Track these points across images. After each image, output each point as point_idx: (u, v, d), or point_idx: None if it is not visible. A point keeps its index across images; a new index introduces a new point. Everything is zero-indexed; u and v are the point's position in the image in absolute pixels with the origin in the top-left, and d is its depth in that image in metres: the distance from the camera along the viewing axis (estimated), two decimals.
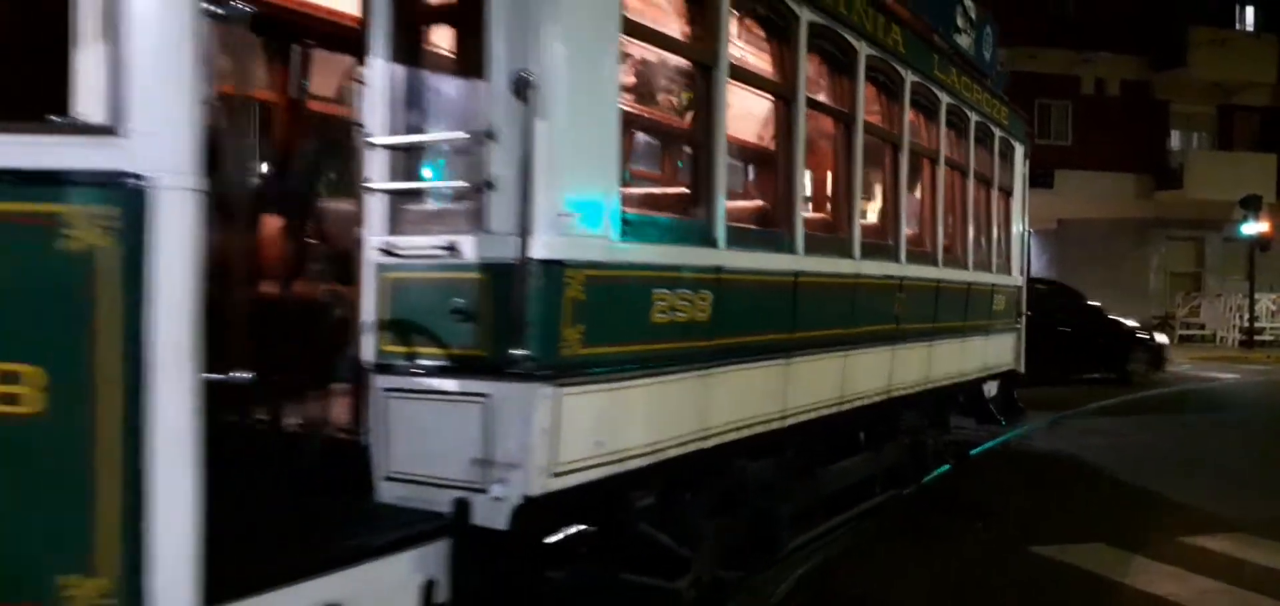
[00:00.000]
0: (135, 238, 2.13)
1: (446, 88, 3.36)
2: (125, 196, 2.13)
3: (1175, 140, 26.71)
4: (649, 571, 3.61)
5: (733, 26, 4.03)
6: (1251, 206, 21.77)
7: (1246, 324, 22.70)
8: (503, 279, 2.95)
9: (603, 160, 3.26)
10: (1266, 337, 23.09)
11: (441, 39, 3.45)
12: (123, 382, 2.14)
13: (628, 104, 3.91)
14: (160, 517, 2.16)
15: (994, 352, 7.83)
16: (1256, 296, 22.78)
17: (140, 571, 2.15)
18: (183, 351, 2.19)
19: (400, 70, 3.26)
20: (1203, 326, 24.85)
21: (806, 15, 4.41)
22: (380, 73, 3.25)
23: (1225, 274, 25.58)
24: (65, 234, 2.11)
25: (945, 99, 6.38)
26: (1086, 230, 25.47)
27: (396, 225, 3.22)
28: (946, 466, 7.56)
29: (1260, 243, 21.99)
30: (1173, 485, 7.35)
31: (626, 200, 3.39)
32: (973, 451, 8.27)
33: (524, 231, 2.90)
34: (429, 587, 2.87)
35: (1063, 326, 13.84)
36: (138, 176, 2.13)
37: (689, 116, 4.23)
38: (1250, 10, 26.62)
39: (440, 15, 3.50)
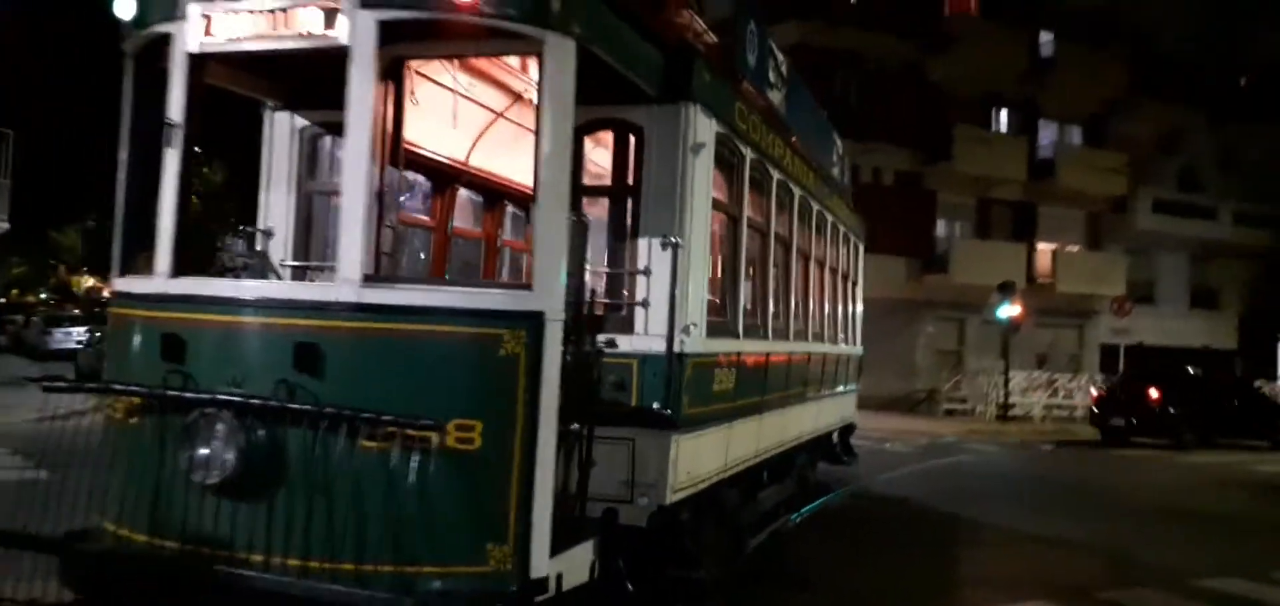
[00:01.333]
0: (536, 346, 4.16)
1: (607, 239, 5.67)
2: (532, 324, 4.16)
3: (941, 228, 31.89)
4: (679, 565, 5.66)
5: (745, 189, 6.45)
6: (1007, 291, 26.79)
7: (1002, 399, 27.73)
8: (650, 365, 5.21)
9: (702, 289, 5.69)
10: (1017, 412, 28.24)
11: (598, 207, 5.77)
12: (524, 429, 4.14)
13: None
14: (536, 507, 4.17)
15: (848, 406, 11.17)
16: (1010, 374, 27.92)
17: (527, 538, 4.14)
18: (552, 411, 4.23)
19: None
20: (964, 400, 29.84)
21: (777, 177, 7.08)
22: None
23: (983, 353, 30.57)
24: (501, 342, 4.15)
25: (823, 212, 9.09)
26: (866, 308, 29.91)
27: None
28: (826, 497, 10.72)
29: (1013, 325, 27.08)
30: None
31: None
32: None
33: (670, 336, 5.17)
34: (592, 565, 4.72)
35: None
36: (538, 314, 4.17)
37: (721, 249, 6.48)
38: (1005, 113, 32.74)
39: (598, 191, 5.77)
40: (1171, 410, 21.98)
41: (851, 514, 11.23)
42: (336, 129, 5.02)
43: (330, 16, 4.29)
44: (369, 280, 4.24)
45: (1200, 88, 34.58)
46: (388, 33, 4.27)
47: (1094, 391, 26.28)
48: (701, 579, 5.70)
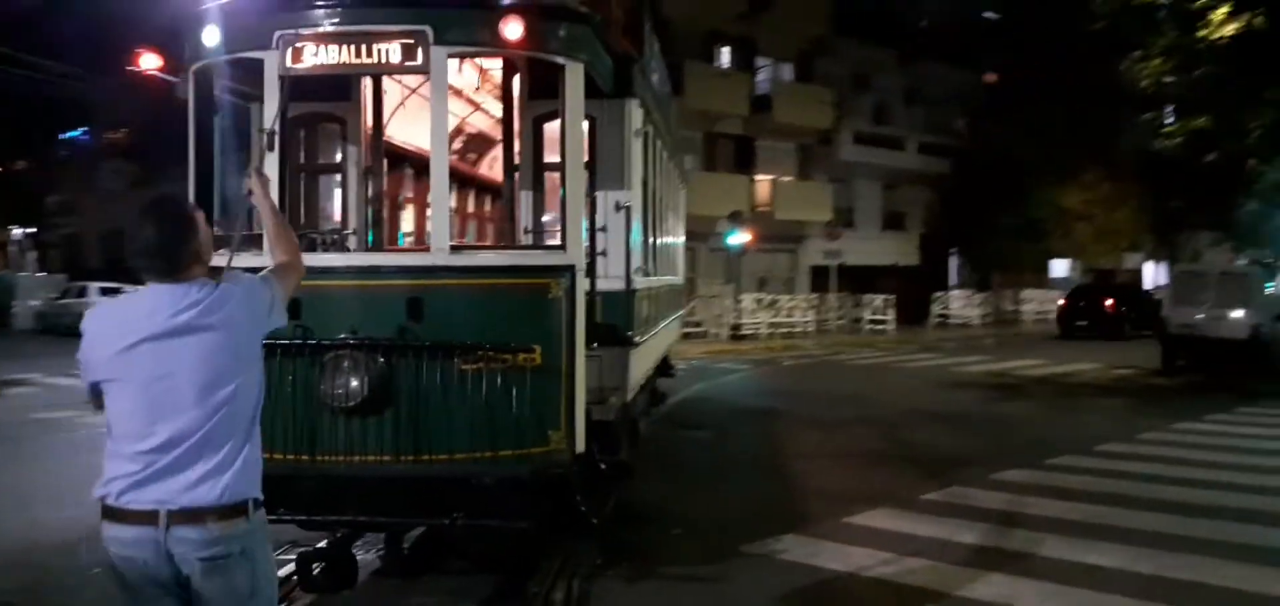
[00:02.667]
0: (572, 290, 5.71)
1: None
2: (568, 274, 5.74)
3: None
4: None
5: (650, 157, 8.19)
6: (736, 219, 28.42)
7: (735, 320, 29.52)
8: (612, 299, 6.76)
9: (641, 240, 7.46)
10: (746, 332, 30.22)
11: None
12: (567, 350, 5.65)
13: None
14: (578, 404, 5.72)
15: (676, 329, 12.74)
16: (739, 297, 29.76)
17: (573, 425, 5.68)
18: (582, 336, 5.81)
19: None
20: (699, 324, 31.45)
21: (657, 142, 8.64)
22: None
23: (711, 278, 32.47)
24: (550, 289, 5.70)
25: (671, 162, 10.12)
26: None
27: None
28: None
29: (742, 251, 28.83)
30: None
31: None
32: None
33: (627, 278, 6.85)
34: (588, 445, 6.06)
35: None
36: (572, 268, 5.77)
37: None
38: (726, 51, 34.35)
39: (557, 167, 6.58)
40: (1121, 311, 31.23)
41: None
42: (328, 118, 7.08)
43: (409, 50, 5.55)
44: (454, 249, 5.82)
45: (890, 29, 38.05)
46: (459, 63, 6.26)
47: (1061, 302, 33.95)
48: (631, 460, 7.67)
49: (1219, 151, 22.88)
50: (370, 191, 7.08)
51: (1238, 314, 19.10)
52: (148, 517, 2.88)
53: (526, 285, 5.78)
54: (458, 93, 7.51)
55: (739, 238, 28.06)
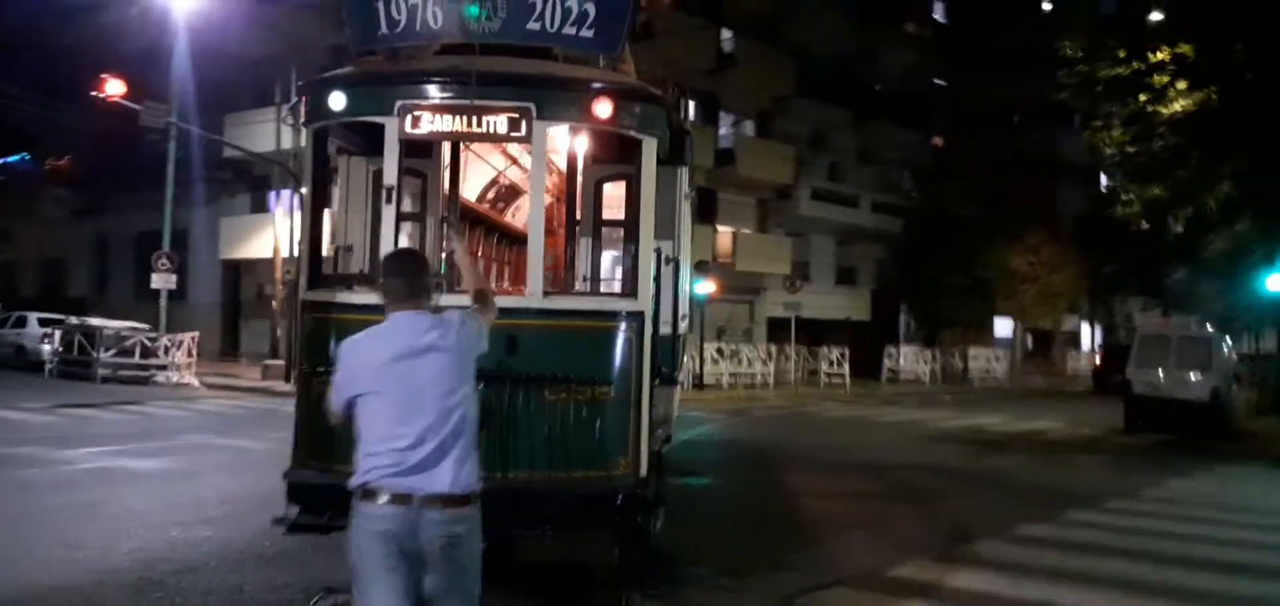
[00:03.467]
0: (641, 333, 6.29)
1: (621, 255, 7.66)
2: (639, 319, 6.31)
3: None
4: None
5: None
6: (702, 269, 28.51)
7: (697, 371, 29.46)
8: (662, 342, 7.10)
9: (687, 290, 8.36)
10: (708, 382, 30.19)
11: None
12: (636, 385, 6.21)
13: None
14: (643, 433, 6.22)
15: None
16: (702, 347, 29.75)
17: (639, 453, 6.20)
18: (647, 372, 6.32)
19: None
20: None
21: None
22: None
23: None
24: (621, 330, 6.28)
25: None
26: None
27: None
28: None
29: (706, 300, 28.87)
30: None
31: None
32: None
33: (674, 323, 7.58)
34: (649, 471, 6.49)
35: None
36: (640, 313, 6.32)
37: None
38: (692, 104, 34.59)
39: (617, 223, 7.73)
40: None
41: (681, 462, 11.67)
42: (411, 173, 7.21)
43: (515, 123, 6.30)
44: (547, 293, 6.49)
45: (846, 92, 38.77)
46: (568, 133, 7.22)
47: (1098, 358, 34.76)
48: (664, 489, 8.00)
49: (1175, 220, 23.56)
50: (444, 240, 7.42)
51: (1198, 377, 19.59)
52: (403, 500, 3.60)
53: (605, 327, 6.38)
54: (500, 148, 8.12)
55: (704, 287, 28.08)
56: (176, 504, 9.63)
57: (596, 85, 6.37)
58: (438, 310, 3.88)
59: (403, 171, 6.76)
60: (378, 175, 7.30)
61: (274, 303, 28.80)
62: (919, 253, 39.25)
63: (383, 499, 3.62)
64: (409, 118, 6.29)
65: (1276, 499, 12.09)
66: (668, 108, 6.97)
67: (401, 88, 6.38)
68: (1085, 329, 58.53)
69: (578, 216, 7.99)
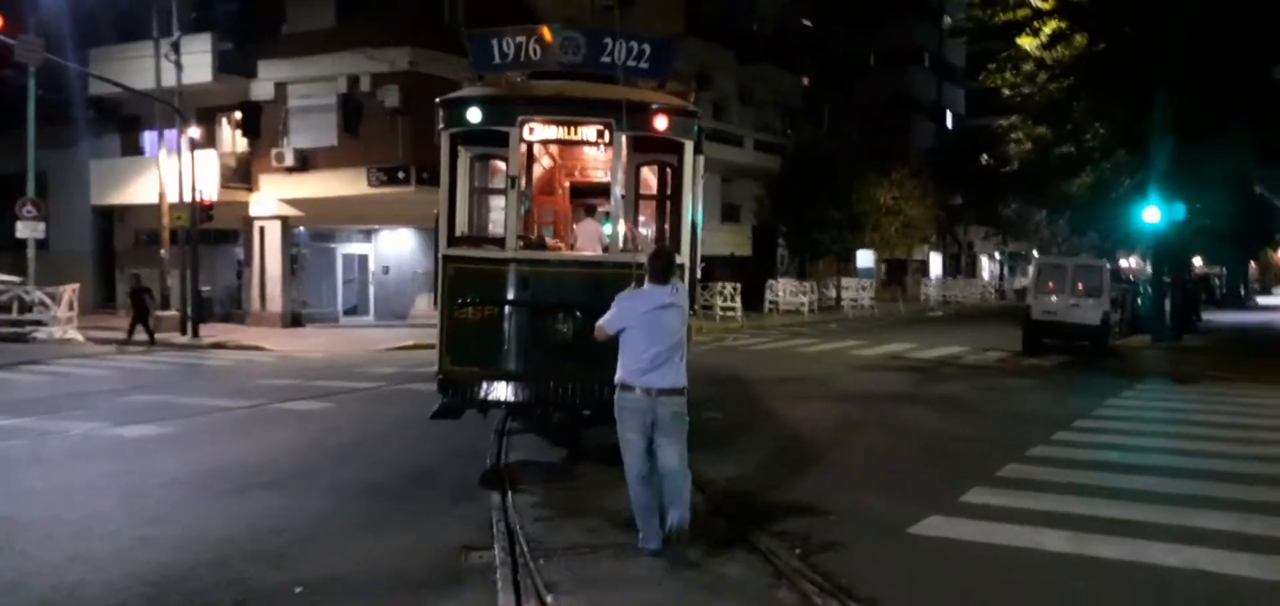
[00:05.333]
0: (687, 280, 8.50)
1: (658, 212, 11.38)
2: (685, 272, 8.41)
3: None
4: None
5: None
6: None
7: None
8: (690, 290, 8.75)
9: (699, 246, 10.18)
10: None
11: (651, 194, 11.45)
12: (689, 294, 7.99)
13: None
14: (686, 344, 6.95)
15: None
16: None
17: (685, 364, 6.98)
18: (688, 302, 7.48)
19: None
20: None
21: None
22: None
23: None
24: (682, 274, 7.94)
25: None
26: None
27: None
28: None
29: None
30: None
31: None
32: None
33: (694, 275, 9.55)
34: None
35: None
36: (682, 264, 8.37)
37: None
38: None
39: (654, 192, 11.34)
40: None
41: None
42: (489, 158, 10.40)
43: (601, 133, 9.10)
44: (605, 249, 9.78)
45: (729, 33, 39.19)
46: (631, 142, 9.46)
47: None
48: None
49: (1058, 156, 25.20)
50: (518, 206, 9.30)
51: (1091, 302, 21.19)
52: (646, 392, 6.47)
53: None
54: (583, 140, 9.84)
55: None
56: (263, 465, 9.15)
57: (655, 106, 8.99)
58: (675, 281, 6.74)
59: (508, 163, 9.18)
60: (478, 160, 10.35)
61: (163, 250, 27.02)
62: (797, 189, 40.37)
63: (637, 389, 6.50)
64: (527, 127, 8.98)
65: (1209, 412, 13.32)
66: (699, 118, 9.66)
67: (521, 106, 8.95)
68: (935, 258, 61.82)
69: (622, 192, 9.67)
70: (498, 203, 10.39)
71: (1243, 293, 58.11)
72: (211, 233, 28.04)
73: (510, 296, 8.89)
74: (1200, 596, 6.07)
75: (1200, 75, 20.80)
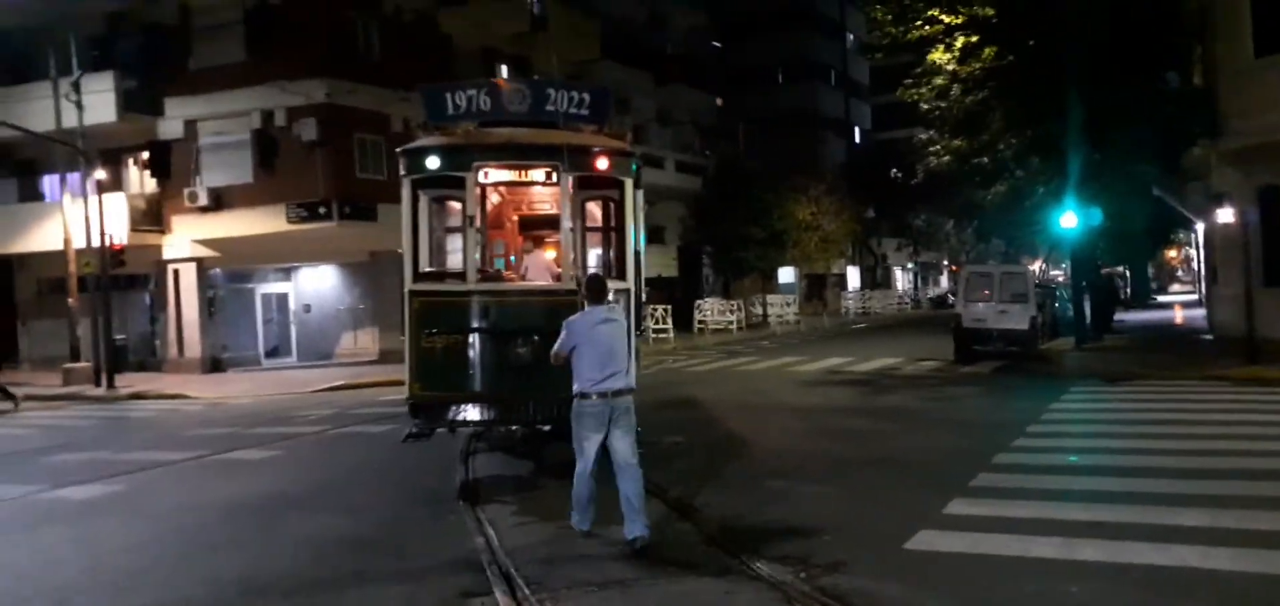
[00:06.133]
0: (628, 299, 9.94)
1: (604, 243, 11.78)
2: (626, 292, 10.08)
3: None
4: None
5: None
6: None
7: None
8: (634, 313, 9.92)
9: (643, 270, 11.31)
10: None
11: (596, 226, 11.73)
12: (629, 329, 8.19)
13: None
14: (633, 363, 8.29)
15: None
16: None
17: (632, 369, 8.10)
18: (633, 322, 9.45)
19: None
20: None
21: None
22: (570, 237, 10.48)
23: None
24: (620, 299, 9.33)
25: None
26: (397, 261, 28.81)
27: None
28: None
29: None
30: None
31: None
32: None
33: (639, 297, 10.77)
34: None
35: None
36: (628, 289, 10.21)
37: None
38: (504, 68, 34.06)
39: (599, 225, 11.66)
40: None
41: None
42: (446, 199, 10.95)
43: (549, 174, 10.32)
44: (556, 278, 10.59)
45: (644, 55, 39.45)
46: (576, 182, 10.18)
47: None
48: None
49: (975, 167, 25.94)
50: (476, 243, 10.14)
51: (1018, 308, 21.84)
52: (602, 396, 7.44)
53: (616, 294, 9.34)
54: (532, 181, 11.16)
55: None
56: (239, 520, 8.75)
57: (596, 149, 10.12)
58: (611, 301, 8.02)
59: (465, 204, 10.05)
60: (435, 202, 10.90)
61: (71, 299, 25.83)
62: (719, 209, 40.79)
63: (593, 397, 7.47)
64: (482, 172, 10.02)
65: (1149, 411, 13.85)
66: (636, 157, 10.84)
67: (476, 153, 9.96)
68: (852, 271, 63.09)
69: (570, 225, 10.39)
70: (455, 241, 11.14)
71: (1149, 292, 60.72)
72: (121, 278, 26.94)
73: (473, 325, 9.77)
74: (1198, 592, 6.25)
75: (1100, 83, 21.67)
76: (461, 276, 10.23)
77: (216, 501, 9.92)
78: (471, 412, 9.87)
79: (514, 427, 10.33)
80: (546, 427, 9.91)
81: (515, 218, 13.11)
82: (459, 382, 9.76)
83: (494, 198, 11.71)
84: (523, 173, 10.54)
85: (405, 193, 10.07)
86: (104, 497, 10.39)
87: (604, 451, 7.48)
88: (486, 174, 10.06)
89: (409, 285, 9.96)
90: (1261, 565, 6.64)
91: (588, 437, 7.46)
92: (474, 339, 9.77)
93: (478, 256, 10.13)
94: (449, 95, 10.46)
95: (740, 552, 7.22)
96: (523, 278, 11.37)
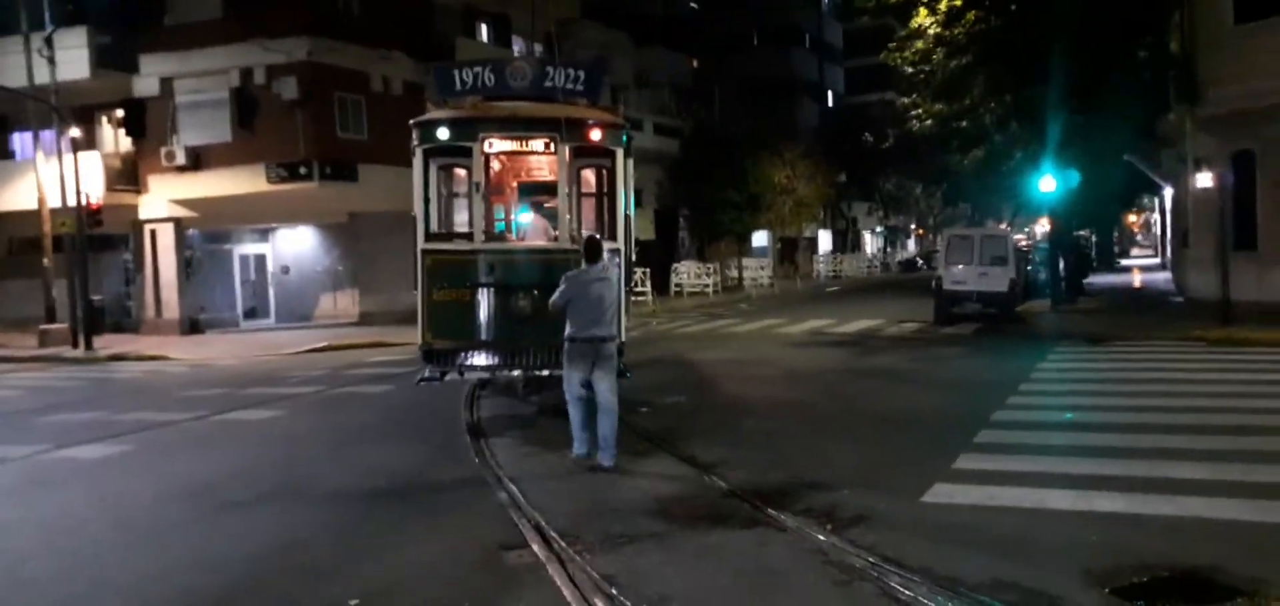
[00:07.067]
0: (621, 261, 10.81)
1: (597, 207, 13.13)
2: (618, 254, 10.78)
3: None
4: None
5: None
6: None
7: None
8: (625, 272, 11.14)
9: (632, 233, 12.49)
10: None
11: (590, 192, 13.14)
12: (620, 289, 10.06)
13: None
14: (623, 316, 10.70)
15: None
16: None
17: (621, 330, 10.44)
18: (622, 281, 10.63)
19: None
20: None
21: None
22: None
23: None
24: (611, 258, 9.76)
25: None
26: (378, 222, 28.15)
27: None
28: None
29: None
30: None
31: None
32: None
33: (628, 258, 11.66)
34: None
35: None
36: (618, 249, 10.96)
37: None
38: (484, 27, 33.78)
39: (593, 190, 13.12)
40: None
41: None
42: (461, 167, 11.79)
43: (547, 145, 11.34)
44: (552, 239, 11.56)
45: (623, 15, 39.24)
46: (572, 151, 11.12)
47: None
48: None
49: (955, 131, 26.23)
50: (481, 207, 11.27)
51: (998, 270, 22.18)
52: (588, 341, 8.64)
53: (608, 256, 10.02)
54: (532, 151, 12.04)
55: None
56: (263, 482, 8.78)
57: (590, 121, 11.06)
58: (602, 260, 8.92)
59: (471, 171, 11.15)
60: (442, 169, 11.94)
61: (45, 259, 25.41)
62: (696, 172, 40.83)
63: (580, 339, 8.63)
64: (487, 142, 11.12)
65: (1134, 371, 14.21)
66: (628, 128, 11.91)
67: (482, 125, 11.04)
68: (823, 235, 63.50)
69: (567, 190, 11.31)
70: (461, 204, 12.21)
71: (1113, 256, 61.74)
72: (96, 238, 26.56)
73: (480, 280, 10.79)
74: (1215, 538, 6.49)
75: (1079, 50, 21.96)
76: (468, 236, 11.26)
77: (230, 460, 9.94)
78: (478, 359, 10.82)
79: (516, 373, 11.11)
80: (545, 372, 10.66)
81: (515, 184, 14.08)
82: (467, 332, 10.78)
83: (495, 165, 12.51)
84: (524, 142, 11.54)
85: (417, 161, 10.97)
86: (116, 456, 10.36)
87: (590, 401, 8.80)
88: (491, 144, 11.16)
89: (421, 245, 10.89)
90: (1270, 515, 6.91)
91: (574, 370, 8.71)
92: (480, 293, 10.78)
93: (482, 218, 11.23)
94: (457, 73, 11.61)
95: (764, 507, 7.38)
96: (522, 239, 12.56)
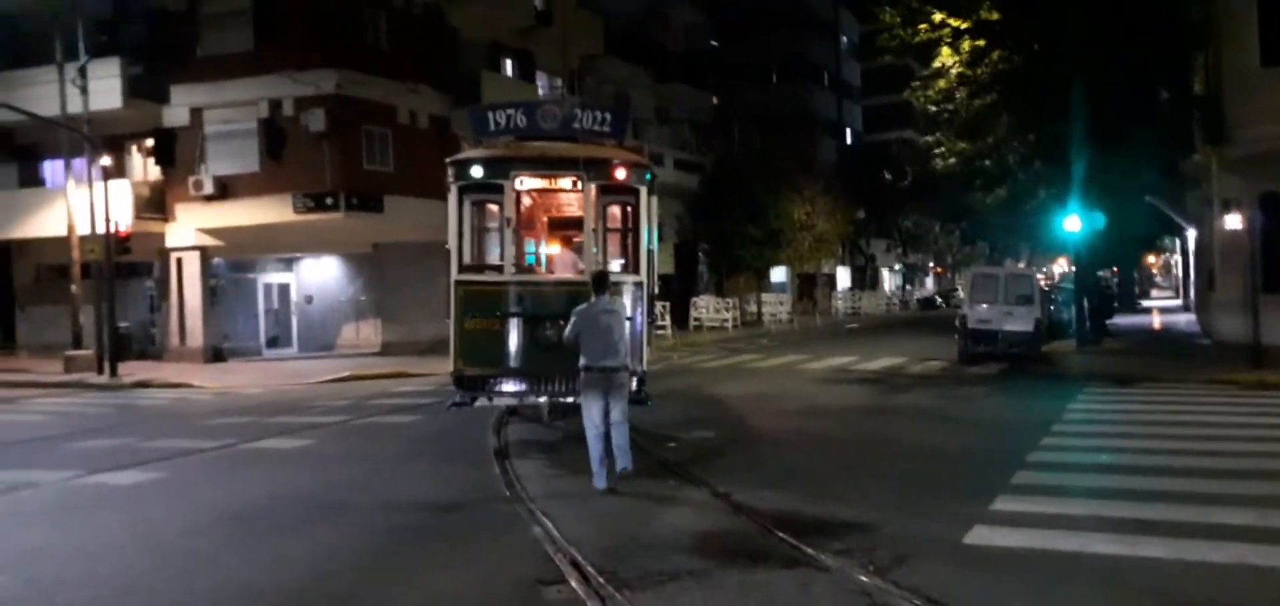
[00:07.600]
0: (644, 294, 11.61)
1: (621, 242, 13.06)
2: (641, 287, 11.61)
3: None
4: None
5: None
6: None
7: None
8: (647, 304, 11.89)
9: (655, 267, 12.80)
10: None
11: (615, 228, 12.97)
12: (645, 322, 11.65)
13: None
14: (645, 350, 11.64)
15: None
16: None
17: (642, 360, 11.47)
18: (648, 318, 11.94)
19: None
20: None
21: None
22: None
23: None
24: (635, 291, 11.55)
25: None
26: (402, 253, 28.36)
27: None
28: None
29: None
30: None
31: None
32: None
33: (650, 292, 11.97)
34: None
35: None
36: (642, 282, 11.66)
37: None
38: (508, 62, 34.01)
39: (618, 226, 12.92)
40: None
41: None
42: (492, 203, 12.10)
43: (574, 182, 11.66)
44: (579, 272, 11.57)
45: (645, 52, 39.47)
46: (598, 189, 11.54)
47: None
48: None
49: (979, 170, 26.13)
50: (512, 241, 11.67)
51: (1023, 309, 22.02)
52: (602, 371, 9.16)
53: (627, 286, 11.41)
54: (561, 188, 12.38)
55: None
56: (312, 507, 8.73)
57: (616, 160, 11.59)
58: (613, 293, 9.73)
59: (502, 207, 11.54)
60: (475, 205, 12.21)
61: (74, 286, 25.58)
62: (716, 206, 40.86)
63: (594, 369, 9.10)
64: (518, 180, 11.56)
65: (1167, 413, 14.02)
66: (651, 168, 12.39)
67: (514, 164, 11.53)
68: (842, 271, 63.36)
69: (593, 225, 11.79)
70: (493, 238, 12.63)
71: (1134, 297, 61.30)
72: (122, 266, 26.66)
73: (510, 310, 11.18)
74: (1266, 587, 6.35)
75: (1102, 88, 21.88)
76: (499, 269, 11.74)
77: (261, 488, 9.89)
78: (507, 386, 11.25)
79: (542, 400, 11.43)
80: (569, 399, 10.91)
81: (545, 219, 14.32)
82: (497, 359, 11.16)
83: (526, 202, 12.90)
84: (552, 180, 11.99)
85: (452, 197, 11.45)
86: (148, 483, 10.33)
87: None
88: (522, 181, 11.65)
89: (455, 276, 11.26)
90: None
91: (592, 401, 9.16)
92: (510, 322, 11.17)
93: (513, 252, 11.70)
94: (491, 114, 12.29)
95: (802, 546, 7.27)
96: (551, 272, 12.92)
